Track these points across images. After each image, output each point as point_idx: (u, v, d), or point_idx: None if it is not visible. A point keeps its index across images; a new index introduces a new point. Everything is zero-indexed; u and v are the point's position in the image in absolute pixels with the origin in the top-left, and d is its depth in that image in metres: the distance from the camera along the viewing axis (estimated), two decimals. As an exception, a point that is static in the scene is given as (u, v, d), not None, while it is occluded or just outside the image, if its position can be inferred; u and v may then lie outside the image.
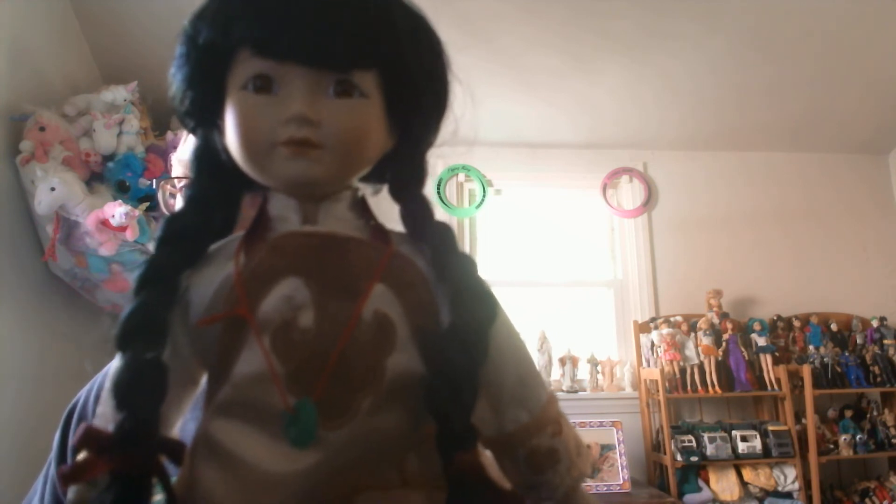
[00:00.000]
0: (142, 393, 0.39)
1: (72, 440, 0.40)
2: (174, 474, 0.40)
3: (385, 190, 0.48)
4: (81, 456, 0.38)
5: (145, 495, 0.38)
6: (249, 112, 0.41)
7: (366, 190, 0.48)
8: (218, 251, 0.44)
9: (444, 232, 0.45)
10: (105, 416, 0.41)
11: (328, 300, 0.40)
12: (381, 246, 0.44)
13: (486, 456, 0.45)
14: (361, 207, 0.46)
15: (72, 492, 0.40)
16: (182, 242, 0.43)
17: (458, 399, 0.40)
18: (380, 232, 0.45)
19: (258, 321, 0.40)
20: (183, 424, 0.46)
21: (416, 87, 0.44)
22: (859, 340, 2.76)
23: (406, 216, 0.46)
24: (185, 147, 0.80)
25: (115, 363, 0.40)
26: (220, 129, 0.44)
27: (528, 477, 0.46)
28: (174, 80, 0.43)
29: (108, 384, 0.40)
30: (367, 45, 0.41)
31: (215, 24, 0.41)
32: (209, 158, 0.45)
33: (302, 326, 0.40)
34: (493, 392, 0.45)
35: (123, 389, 0.38)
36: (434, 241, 0.45)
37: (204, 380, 0.44)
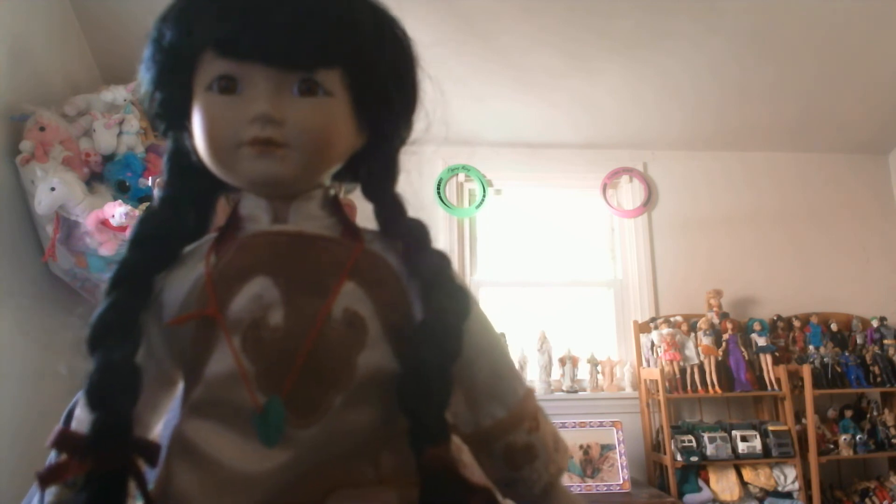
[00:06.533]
0: (114, 394, 0.39)
1: (48, 443, 0.40)
2: (152, 476, 0.40)
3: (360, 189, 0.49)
4: (57, 458, 0.39)
5: (121, 495, 0.38)
6: (214, 113, 0.41)
7: (339, 188, 0.48)
8: (191, 252, 0.45)
9: (417, 228, 0.46)
10: (81, 419, 0.41)
11: (297, 298, 0.41)
12: (350, 243, 0.44)
13: (465, 452, 0.45)
14: (333, 206, 0.46)
15: (49, 493, 0.40)
16: (154, 243, 0.43)
17: (431, 396, 0.40)
18: (351, 230, 0.45)
19: (228, 321, 0.40)
20: (168, 421, 0.46)
21: (382, 85, 0.44)
22: (859, 340, 2.76)
23: (379, 213, 0.47)
24: None
25: (89, 365, 0.40)
26: (190, 131, 0.44)
27: (506, 473, 0.47)
28: (142, 83, 0.44)
29: (82, 387, 0.40)
30: (330, 44, 0.41)
31: (179, 26, 0.41)
32: (181, 160, 0.45)
33: (271, 325, 0.40)
34: (467, 387, 0.45)
35: (95, 391, 0.39)
36: (406, 237, 0.45)
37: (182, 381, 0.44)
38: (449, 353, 0.41)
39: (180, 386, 0.44)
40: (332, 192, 0.47)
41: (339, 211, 0.46)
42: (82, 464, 0.37)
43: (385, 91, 0.44)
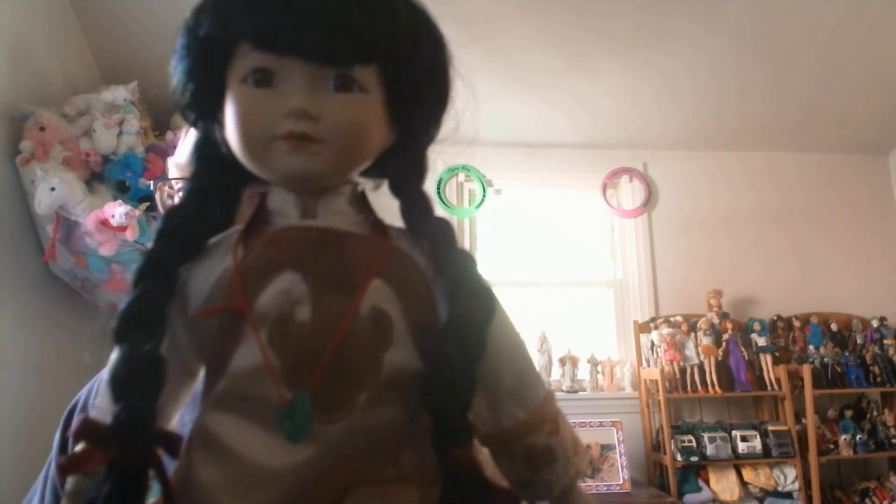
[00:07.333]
0: (138, 385, 0.39)
1: (70, 432, 0.40)
2: (171, 467, 0.40)
3: (386, 185, 0.48)
4: (79, 447, 0.38)
5: (142, 487, 0.38)
6: (249, 105, 0.41)
7: (366, 185, 0.48)
8: (217, 244, 0.44)
9: (444, 227, 0.45)
10: (102, 409, 0.41)
11: (325, 295, 0.40)
12: (379, 241, 0.44)
13: (483, 454, 0.45)
14: (361, 202, 0.47)
15: (69, 482, 0.40)
16: (181, 235, 0.43)
17: (455, 395, 0.40)
18: (379, 227, 0.45)
19: (255, 315, 0.40)
20: (182, 416, 0.46)
21: (416, 82, 0.44)
22: (859, 340, 2.76)
23: (406, 211, 0.46)
24: (181, 151, 0.81)
25: (113, 355, 0.40)
26: (221, 123, 0.44)
27: (525, 475, 0.46)
28: (175, 73, 0.44)
29: (105, 376, 0.40)
30: (368, 40, 0.41)
31: (216, 17, 0.41)
32: (209, 151, 0.45)
33: (299, 321, 0.40)
34: (489, 388, 0.45)
35: (120, 381, 0.39)
36: (433, 237, 0.45)
37: (202, 373, 0.44)
38: (473, 353, 0.41)
39: (200, 378, 0.44)
40: (360, 188, 0.47)
41: (367, 207, 0.46)
42: (105, 454, 0.37)
43: (419, 89, 0.44)
